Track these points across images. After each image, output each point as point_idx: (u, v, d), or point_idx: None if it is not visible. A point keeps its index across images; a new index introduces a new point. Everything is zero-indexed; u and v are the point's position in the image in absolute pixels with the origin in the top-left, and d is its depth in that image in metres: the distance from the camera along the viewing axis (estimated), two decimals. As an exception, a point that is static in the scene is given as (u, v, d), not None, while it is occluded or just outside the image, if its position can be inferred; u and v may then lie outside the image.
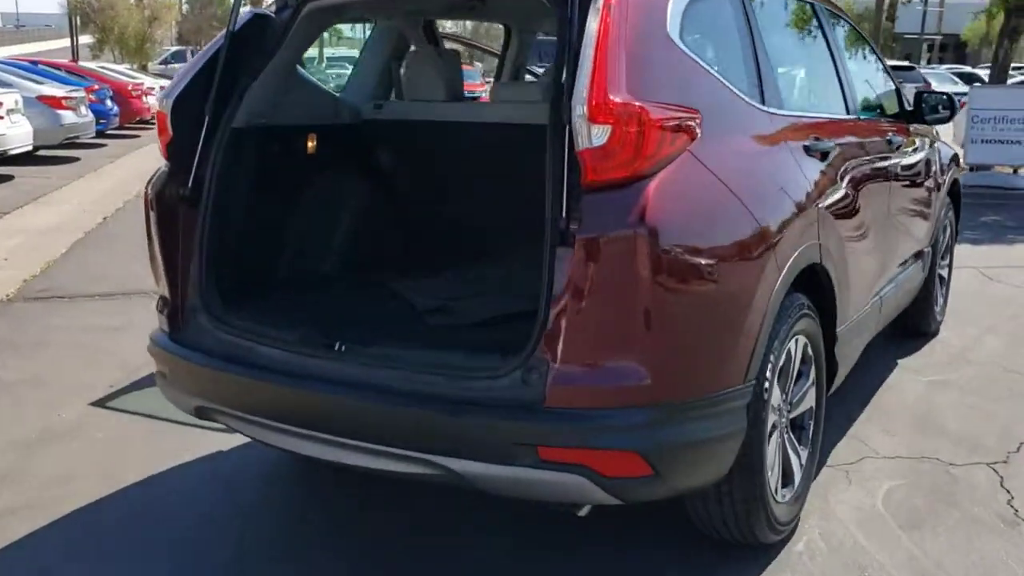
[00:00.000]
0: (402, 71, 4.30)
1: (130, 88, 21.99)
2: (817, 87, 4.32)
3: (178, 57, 40.04)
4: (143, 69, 33.81)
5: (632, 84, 2.66)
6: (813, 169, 3.49)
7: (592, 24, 2.69)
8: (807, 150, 3.49)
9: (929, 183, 5.26)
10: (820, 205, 3.40)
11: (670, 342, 2.69)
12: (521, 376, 2.70)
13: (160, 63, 39.51)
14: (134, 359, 5.17)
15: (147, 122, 22.28)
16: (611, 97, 2.60)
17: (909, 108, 5.19)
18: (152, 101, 22.00)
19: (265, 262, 3.71)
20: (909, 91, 5.58)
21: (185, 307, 3.34)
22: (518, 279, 3.84)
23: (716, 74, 3.11)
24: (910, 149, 4.93)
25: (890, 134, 4.62)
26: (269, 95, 3.54)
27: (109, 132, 19.55)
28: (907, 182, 4.87)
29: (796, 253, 3.11)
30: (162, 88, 24.72)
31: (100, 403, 4.82)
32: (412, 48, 4.46)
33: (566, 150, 2.64)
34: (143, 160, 15.65)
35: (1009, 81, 16.46)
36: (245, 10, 3.51)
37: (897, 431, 4.56)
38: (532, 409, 2.65)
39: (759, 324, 2.91)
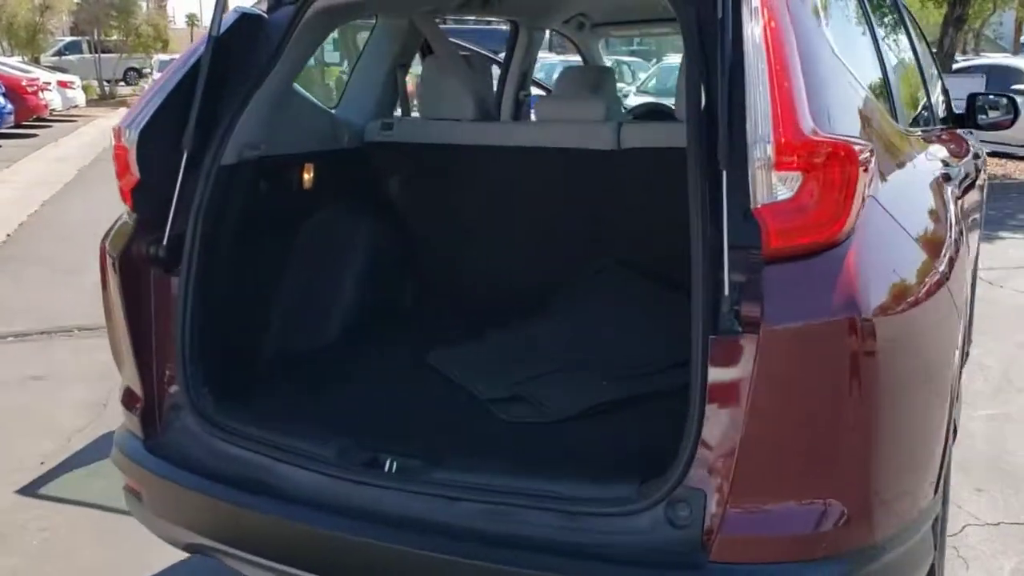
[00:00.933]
0: (418, 83, 3.45)
1: (24, 83, 20.28)
2: (908, 92, 3.64)
3: (73, 48, 37.70)
4: (35, 62, 31.58)
5: (816, 111, 1.92)
6: (953, 202, 2.81)
7: (754, 28, 1.93)
8: (946, 179, 2.81)
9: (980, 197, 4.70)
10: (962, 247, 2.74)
11: (879, 463, 1.96)
12: (665, 514, 1.97)
13: (53, 55, 37.15)
14: (66, 420, 4.22)
15: (44, 120, 20.62)
16: (802, 131, 1.84)
17: (959, 112, 4.57)
18: (51, 97, 20.38)
19: (268, 340, 2.86)
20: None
21: (164, 404, 2.48)
22: (587, 344, 3.07)
23: (863, 85, 2.40)
24: (979, 162, 4.33)
25: (972, 147, 3.99)
26: (264, 117, 2.67)
27: (3, 132, 17.95)
28: (977, 200, 4.27)
29: (965, 313, 2.42)
30: (62, 84, 23.50)
31: (31, 490, 3.84)
32: (431, 54, 3.60)
33: (725, 205, 1.87)
34: (45, 165, 14.38)
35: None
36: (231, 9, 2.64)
37: (985, 486, 3.99)
38: (690, 565, 1.90)
39: (948, 414, 2.22)
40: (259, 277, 2.84)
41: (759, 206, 1.89)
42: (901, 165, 2.51)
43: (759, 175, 1.87)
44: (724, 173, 1.92)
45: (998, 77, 14.33)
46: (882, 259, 2.01)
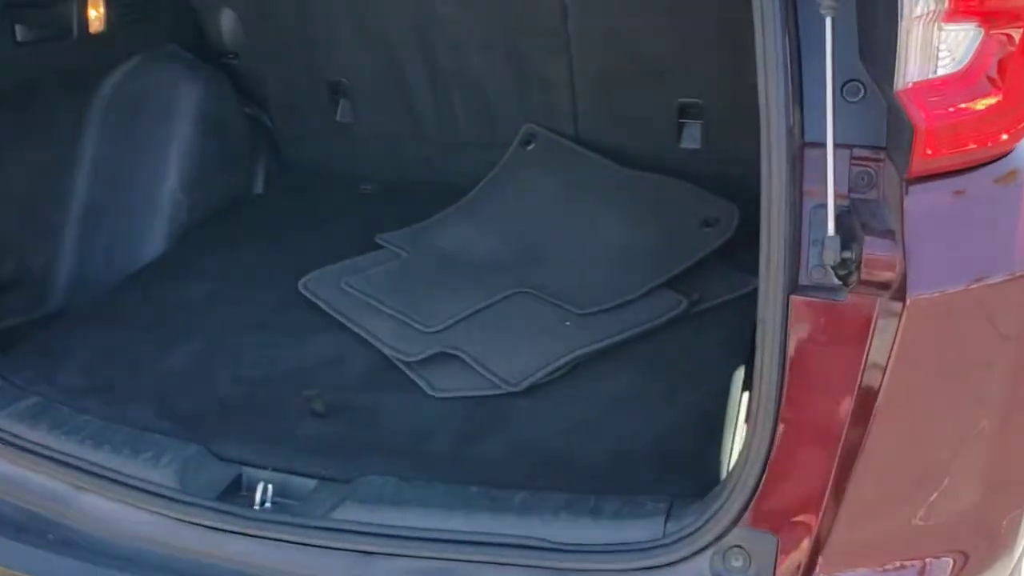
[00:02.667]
0: None
1: None
2: None
3: None
4: None
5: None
6: None
7: None
8: None
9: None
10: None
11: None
12: (712, 569, 1.30)
13: None
14: None
15: None
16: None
17: None
18: None
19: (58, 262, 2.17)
20: None
21: None
22: (529, 255, 2.29)
23: None
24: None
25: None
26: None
27: None
28: None
29: None
30: None
31: None
32: None
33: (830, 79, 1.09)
34: None
35: None
36: None
37: None
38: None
39: None
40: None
41: (909, 84, 1.08)
42: None
43: (915, 30, 1.05)
44: (830, 21, 1.12)
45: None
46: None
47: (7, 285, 2.35)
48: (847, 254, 1.24)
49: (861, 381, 1.29)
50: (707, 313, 2.14)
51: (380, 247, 2.46)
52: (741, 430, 1.84)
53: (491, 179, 2.69)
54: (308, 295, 2.21)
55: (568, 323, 2.04)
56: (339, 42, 2.71)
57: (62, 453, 1.70)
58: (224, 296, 2.26)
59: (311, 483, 1.62)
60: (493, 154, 2.77)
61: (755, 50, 1.29)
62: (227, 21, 2.82)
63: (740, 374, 1.89)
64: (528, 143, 2.71)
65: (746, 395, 1.91)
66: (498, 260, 2.35)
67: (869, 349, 1.28)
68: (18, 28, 2.19)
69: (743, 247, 2.37)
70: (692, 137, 2.59)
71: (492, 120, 2.73)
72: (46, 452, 1.70)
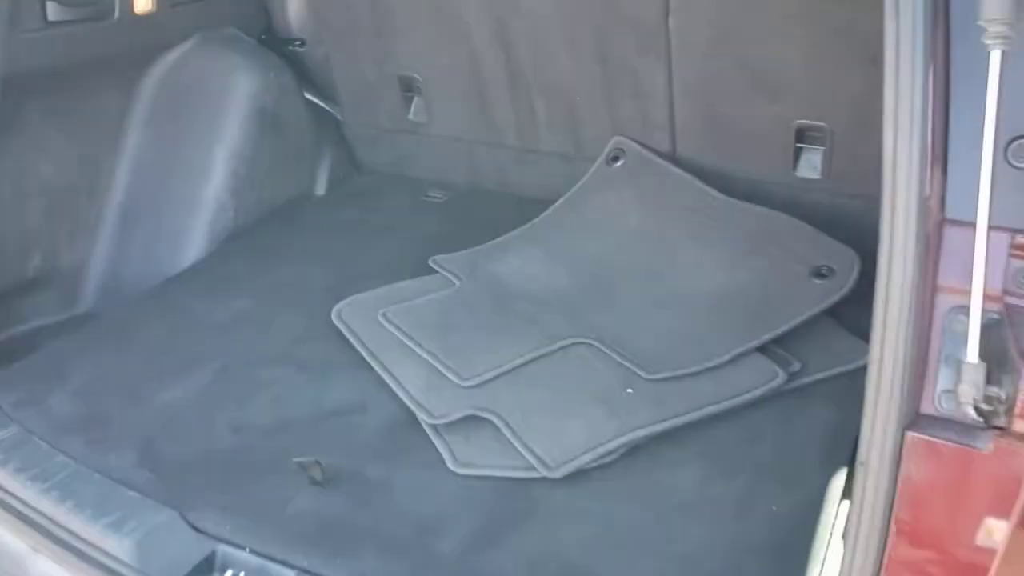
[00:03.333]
0: None
1: None
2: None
3: None
4: None
5: None
6: None
7: None
8: None
9: None
10: None
11: None
12: None
13: None
14: None
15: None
16: None
17: None
18: None
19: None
20: None
21: None
22: (590, 299, 1.96)
23: None
24: None
25: None
26: None
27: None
28: None
29: None
30: None
31: None
32: None
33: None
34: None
35: None
36: None
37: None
38: None
39: None
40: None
41: None
42: None
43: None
44: (997, 55, 0.75)
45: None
46: None
47: (35, 283, 2.18)
48: (994, 390, 0.86)
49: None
50: (808, 390, 1.75)
51: (434, 270, 2.17)
52: (835, 555, 1.47)
53: (569, 198, 2.35)
54: (341, 326, 1.94)
55: (631, 390, 1.69)
56: (413, 32, 2.41)
57: (24, 503, 1.49)
58: (250, 319, 2.01)
59: (289, 575, 1.35)
60: (576, 168, 2.42)
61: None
62: (294, 4, 2.56)
63: (840, 480, 1.51)
64: (616, 159, 2.35)
65: (845, 506, 1.53)
66: (562, 297, 2.01)
67: (1014, 518, 0.90)
68: (49, 6, 1.99)
69: (861, 306, 1.97)
70: (811, 165, 2.18)
71: (576, 129, 2.39)
72: (8, 499, 1.50)
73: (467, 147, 2.58)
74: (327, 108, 2.72)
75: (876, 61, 2.04)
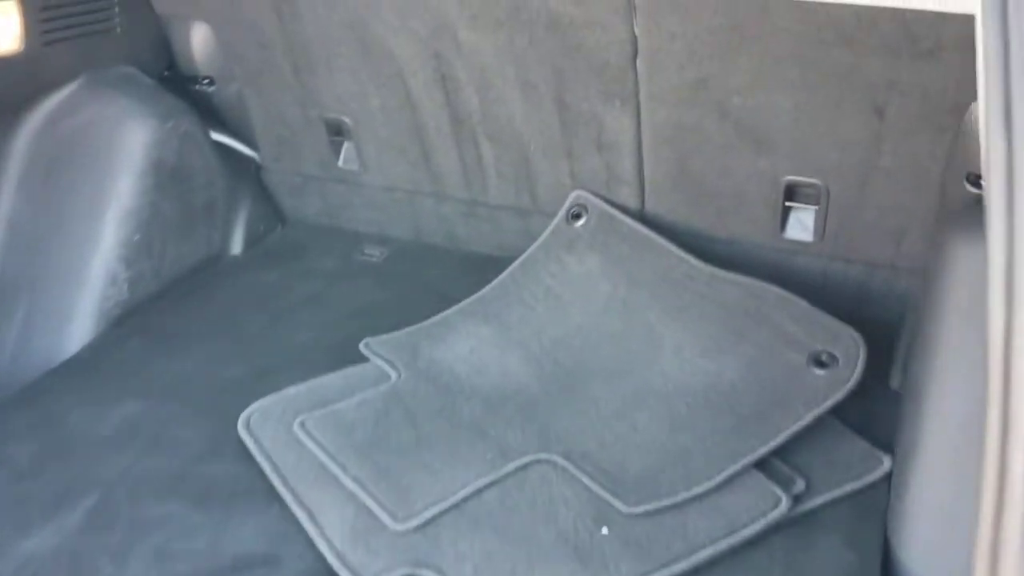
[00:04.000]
0: None
1: None
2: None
3: None
4: None
5: None
6: None
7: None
8: None
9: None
10: None
11: None
12: None
13: None
14: None
15: None
16: None
17: None
18: None
19: None
20: None
21: None
22: (557, 408, 1.62)
23: None
24: None
25: None
26: None
27: None
28: None
29: None
30: None
31: None
32: None
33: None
34: None
35: None
36: None
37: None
38: None
39: None
40: None
41: None
42: None
43: None
44: None
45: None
46: None
47: None
48: None
49: None
50: (816, 515, 1.46)
51: (365, 356, 1.84)
52: None
53: (525, 261, 2.03)
54: (248, 440, 1.61)
55: (606, 530, 1.39)
56: (338, 71, 2.08)
57: None
58: (138, 431, 1.65)
59: None
60: (532, 224, 2.11)
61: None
62: (199, 36, 2.20)
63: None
64: (577, 217, 2.03)
65: None
66: (519, 395, 1.69)
67: None
68: None
69: (867, 399, 1.68)
70: (802, 225, 1.90)
71: (531, 181, 2.08)
72: None
73: (408, 198, 2.25)
74: (244, 152, 2.37)
75: (881, 112, 1.71)
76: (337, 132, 2.22)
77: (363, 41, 1.99)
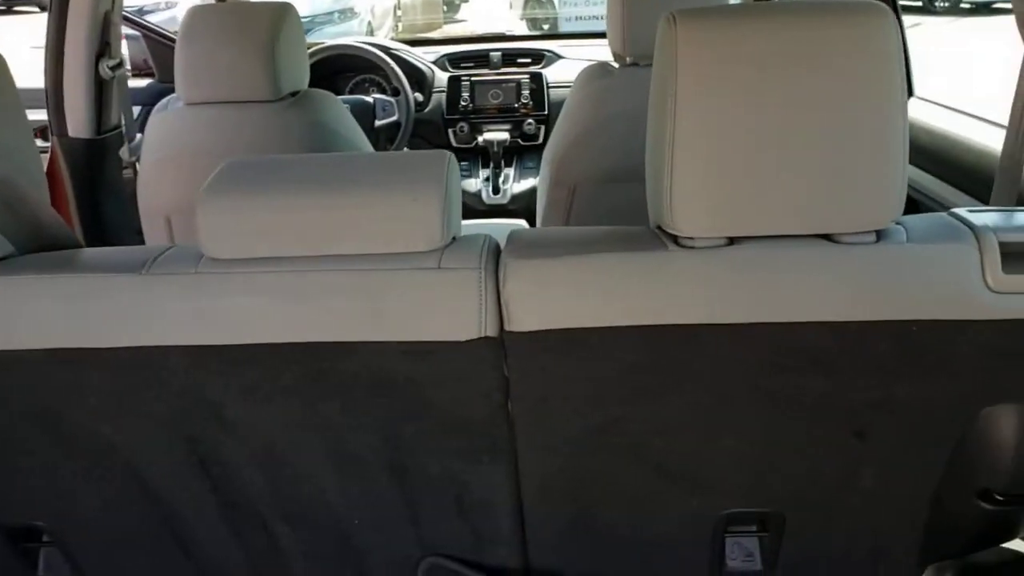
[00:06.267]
0: None
1: None
2: None
3: None
4: None
5: None
6: None
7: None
8: None
9: None
10: None
11: None
12: None
13: None
14: None
15: None
16: None
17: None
18: None
19: None
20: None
21: None
22: None
23: None
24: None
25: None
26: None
27: None
28: None
29: None
30: None
31: None
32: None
33: None
34: None
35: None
36: None
37: None
38: None
39: None
40: None
41: None
42: None
43: None
44: None
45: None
46: None
47: None
48: None
49: None
50: None
51: None
52: None
53: None
54: None
55: None
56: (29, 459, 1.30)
57: None
58: None
59: None
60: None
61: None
62: None
63: None
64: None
65: None
66: None
67: None
68: None
69: None
70: (744, 553, 1.45)
71: (360, 556, 1.44)
72: None
73: None
74: None
75: (863, 434, 1.28)
76: (27, 538, 1.43)
77: (60, 430, 1.24)
